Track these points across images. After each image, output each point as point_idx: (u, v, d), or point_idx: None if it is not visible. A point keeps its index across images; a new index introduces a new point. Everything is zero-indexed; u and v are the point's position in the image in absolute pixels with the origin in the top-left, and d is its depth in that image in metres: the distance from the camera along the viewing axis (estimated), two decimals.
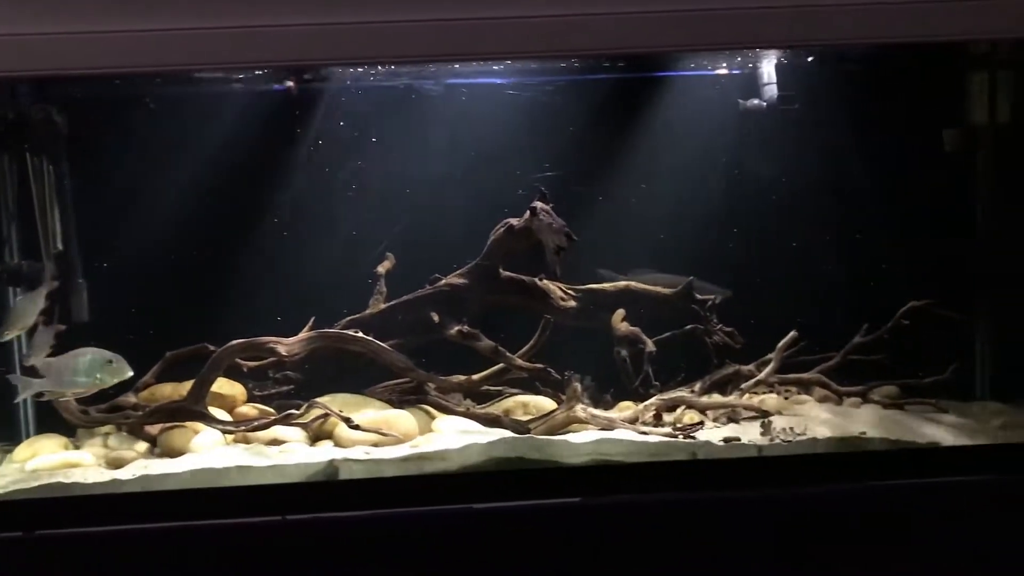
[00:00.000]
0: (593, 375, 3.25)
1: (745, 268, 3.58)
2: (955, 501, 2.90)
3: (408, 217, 3.55)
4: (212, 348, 3.12)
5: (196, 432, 3.08)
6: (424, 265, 3.40)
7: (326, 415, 3.07)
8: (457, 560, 2.81)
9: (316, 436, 3.13)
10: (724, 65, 3.47)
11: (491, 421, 3.17)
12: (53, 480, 2.86)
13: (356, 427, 3.01)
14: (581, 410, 3.14)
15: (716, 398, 3.36)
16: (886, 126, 3.60)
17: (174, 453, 3.03)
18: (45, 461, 2.98)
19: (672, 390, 3.34)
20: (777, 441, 3.03)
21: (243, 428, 3.09)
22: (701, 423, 3.17)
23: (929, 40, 2.71)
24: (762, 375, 3.42)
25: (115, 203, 3.46)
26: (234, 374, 3.23)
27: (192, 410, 3.05)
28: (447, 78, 3.44)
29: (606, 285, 3.47)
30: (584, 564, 2.84)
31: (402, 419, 3.13)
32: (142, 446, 3.11)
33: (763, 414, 3.25)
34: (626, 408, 3.30)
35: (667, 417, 3.22)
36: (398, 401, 3.28)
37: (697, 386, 3.37)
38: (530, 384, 3.40)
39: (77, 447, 3.13)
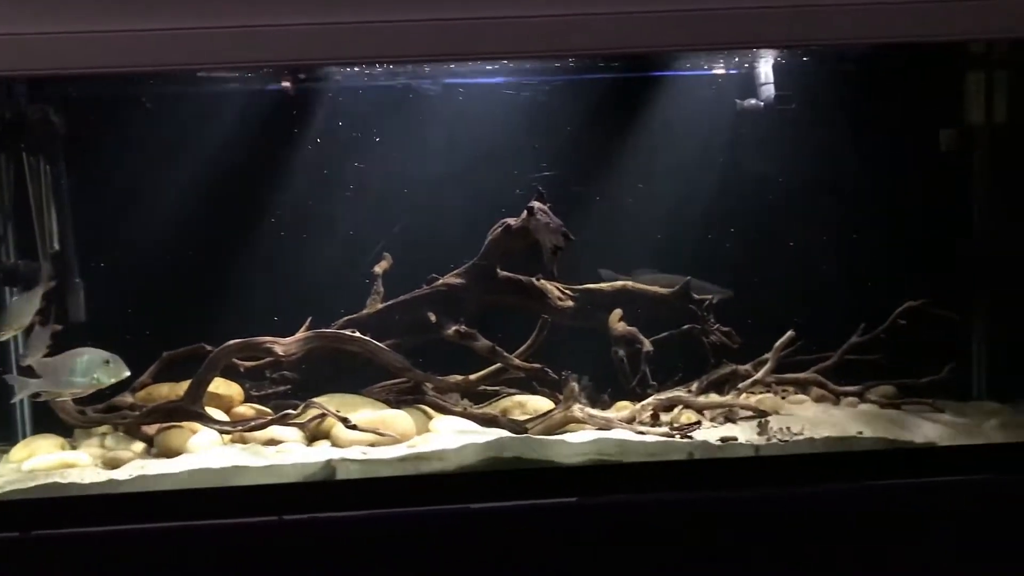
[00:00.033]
0: (590, 375, 3.25)
1: (742, 268, 3.58)
2: (951, 501, 2.90)
3: (405, 217, 3.55)
4: (209, 348, 3.11)
5: (193, 432, 3.08)
6: (421, 265, 3.40)
7: (323, 415, 3.07)
8: (454, 560, 2.81)
9: (313, 436, 3.13)
10: (721, 65, 3.47)
11: (488, 421, 3.17)
12: (50, 480, 2.85)
13: (353, 427, 3.01)
14: (578, 410, 3.14)
15: (713, 398, 3.36)
16: (883, 126, 3.61)
17: (171, 453, 3.03)
18: (42, 461, 2.98)
19: (669, 390, 3.34)
20: (774, 441, 3.03)
21: (240, 428, 3.08)
22: (698, 423, 3.17)
23: (929, 40, 2.72)
24: (759, 375, 3.43)
25: (112, 203, 3.46)
26: (231, 374, 3.23)
27: (189, 410, 3.05)
28: (445, 78, 3.44)
29: (603, 285, 3.47)
30: (581, 564, 2.84)
31: (399, 419, 3.13)
32: (139, 446, 3.10)
33: (760, 414, 3.25)
34: (623, 408, 3.30)
35: (664, 417, 3.22)
36: (395, 401, 3.28)
37: (694, 386, 3.38)
38: (527, 384, 3.41)
39: (74, 447, 3.13)
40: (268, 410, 3.23)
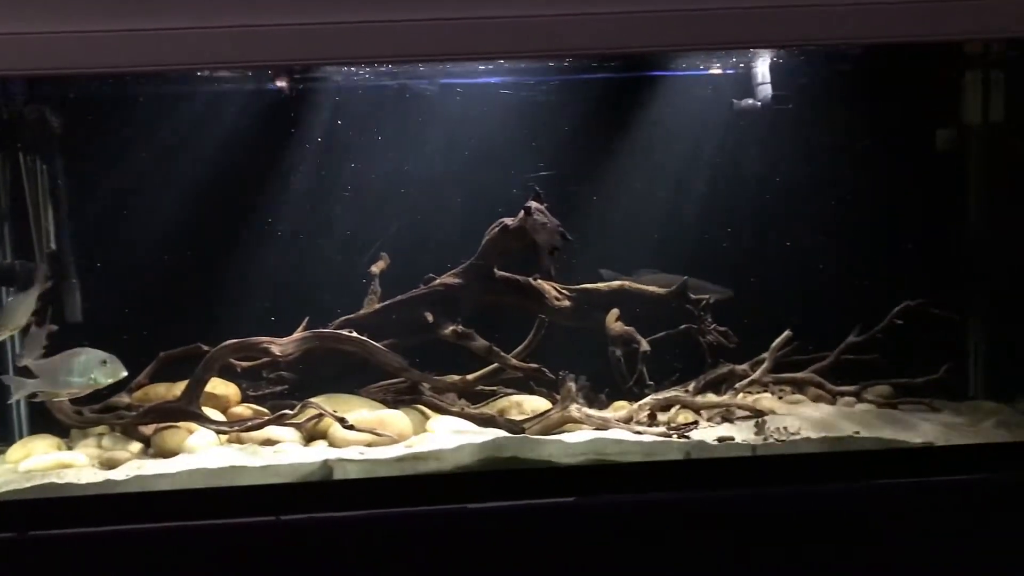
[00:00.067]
0: (588, 375, 3.24)
1: (739, 267, 3.58)
2: (948, 500, 2.90)
3: (402, 217, 3.55)
4: (206, 348, 3.11)
5: (190, 432, 3.08)
6: (419, 265, 3.40)
7: (320, 415, 3.07)
8: (452, 560, 2.81)
9: (310, 436, 3.13)
10: (718, 65, 3.47)
11: (486, 421, 3.17)
12: (46, 481, 2.85)
13: (350, 427, 3.01)
14: (576, 410, 3.14)
15: (710, 398, 3.36)
16: (879, 125, 3.61)
17: (168, 453, 3.03)
18: (38, 462, 2.97)
19: (666, 390, 3.34)
20: (771, 440, 3.04)
21: (237, 428, 3.08)
22: (695, 423, 3.17)
23: (929, 40, 2.72)
24: (756, 375, 3.43)
25: (108, 203, 3.46)
26: (228, 374, 3.23)
27: (186, 410, 3.05)
28: (441, 78, 3.44)
29: (600, 285, 3.47)
30: (579, 564, 2.84)
31: (396, 419, 3.13)
32: (136, 446, 3.10)
33: (757, 413, 3.26)
34: (620, 408, 3.30)
35: (661, 417, 3.22)
36: (393, 401, 3.28)
37: (691, 386, 3.38)
38: (525, 384, 3.41)
39: (71, 448, 3.12)
40: (265, 410, 3.23)
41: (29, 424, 3.40)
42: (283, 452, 3.01)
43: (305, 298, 3.46)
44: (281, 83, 3.37)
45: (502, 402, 3.40)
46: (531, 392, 3.42)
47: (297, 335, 3.19)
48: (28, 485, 2.83)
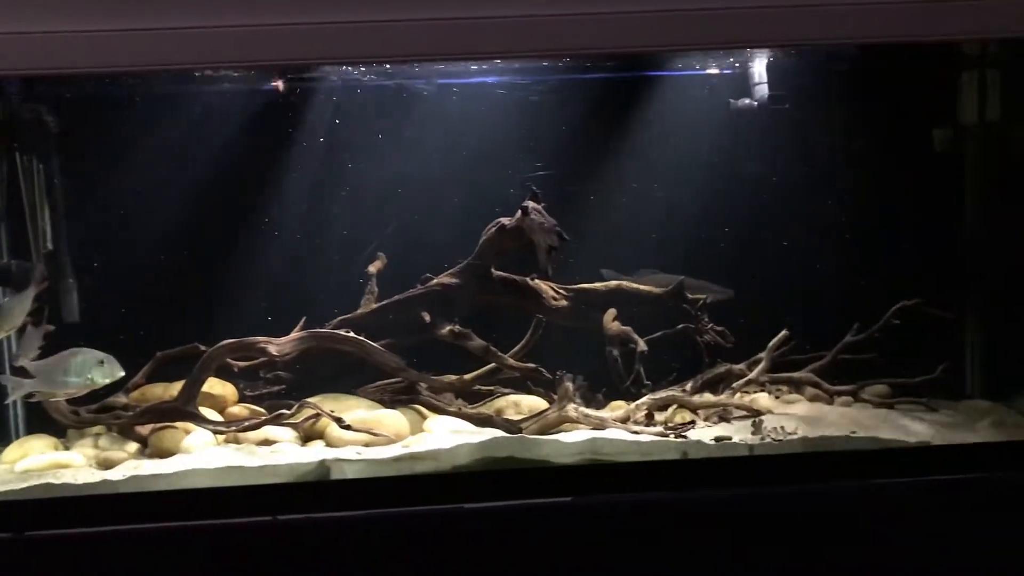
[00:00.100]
0: (585, 374, 3.25)
1: (736, 267, 3.58)
2: (945, 500, 2.90)
3: (400, 217, 3.55)
4: (203, 348, 3.11)
5: (187, 432, 3.07)
6: (416, 265, 3.40)
7: (317, 415, 3.07)
8: (449, 560, 2.81)
9: (307, 436, 3.13)
10: (714, 65, 3.47)
11: (483, 421, 3.17)
12: (43, 481, 2.85)
13: (347, 427, 3.01)
14: (573, 409, 3.14)
15: (707, 397, 3.36)
16: (876, 125, 3.62)
17: (165, 454, 3.03)
18: (35, 462, 2.97)
19: (664, 389, 3.34)
20: (768, 440, 3.04)
21: (234, 428, 3.08)
22: (692, 422, 3.17)
23: (928, 40, 2.72)
24: (753, 374, 3.43)
25: (105, 203, 3.46)
26: (225, 374, 3.23)
27: (183, 410, 3.05)
28: (438, 77, 3.44)
29: (597, 285, 3.47)
30: (576, 564, 2.84)
31: (393, 419, 3.13)
32: (133, 447, 3.10)
33: (754, 413, 3.26)
34: (618, 407, 3.30)
35: (658, 416, 3.23)
36: (390, 401, 3.28)
37: (688, 385, 3.38)
38: (522, 384, 3.41)
39: (67, 448, 3.12)
40: (262, 410, 3.23)
41: (26, 424, 3.39)
42: (280, 452, 3.01)
43: (302, 298, 3.46)
44: (277, 83, 3.37)
45: (499, 402, 3.40)
46: (528, 392, 3.43)
47: (294, 335, 3.19)
48: (25, 485, 2.83)
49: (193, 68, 2.86)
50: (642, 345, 3.29)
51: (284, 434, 3.09)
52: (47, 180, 3.34)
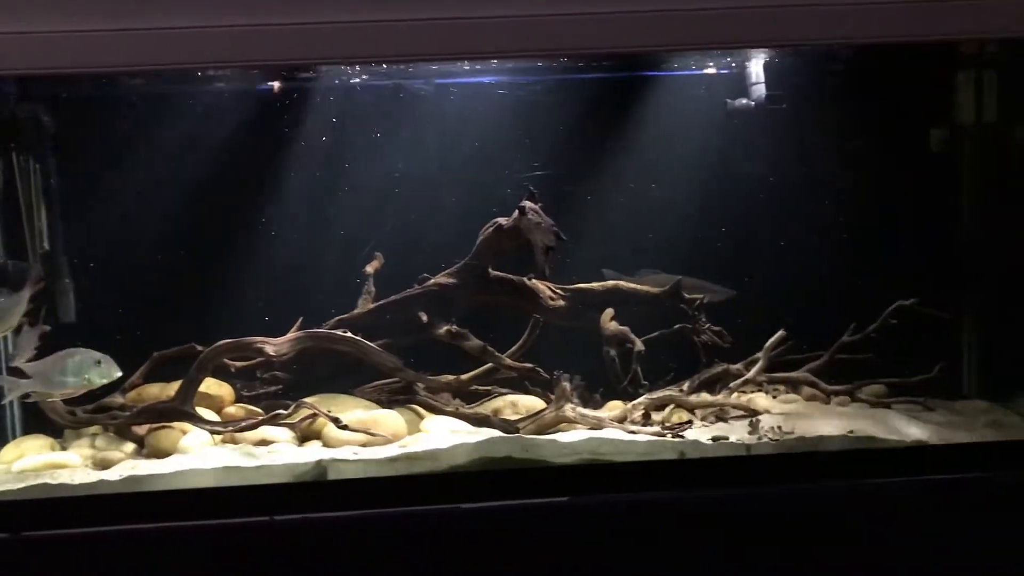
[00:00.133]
0: (582, 374, 3.25)
1: (734, 267, 3.58)
2: (941, 499, 2.91)
3: (397, 217, 3.54)
4: (200, 348, 3.11)
5: (184, 433, 3.07)
6: (413, 265, 3.40)
7: (314, 415, 3.07)
8: (446, 560, 2.81)
9: (304, 436, 3.13)
10: (711, 64, 3.47)
11: (480, 421, 3.17)
12: (40, 481, 2.84)
13: (344, 427, 3.01)
14: (570, 409, 3.14)
15: (704, 397, 3.36)
16: (873, 125, 3.62)
17: (162, 454, 3.02)
18: (32, 462, 2.97)
19: (661, 389, 3.34)
20: (765, 440, 3.04)
21: (231, 428, 3.08)
22: (689, 422, 3.17)
23: (928, 40, 2.73)
24: (750, 374, 3.43)
25: (102, 203, 3.45)
26: (222, 374, 3.22)
27: (180, 410, 3.05)
28: (436, 77, 3.43)
29: (594, 285, 3.46)
30: (573, 564, 2.84)
31: (391, 419, 3.13)
32: (129, 447, 3.09)
33: (751, 413, 3.26)
34: (615, 407, 3.30)
35: (656, 416, 3.23)
36: (387, 401, 3.27)
37: (686, 385, 3.37)
38: (519, 384, 3.41)
39: (64, 448, 3.11)
40: (259, 410, 3.23)
41: (22, 424, 3.39)
42: (277, 452, 3.00)
43: (299, 298, 3.45)
44: (274, 82, 3.36)
45: (497, 402, 3.40)
46: (526, 392, 3.42)
47: (291, 335, 3.18)
48: (21, 486, 2.82)
49: (191, 68, 2.85)
50: (639, 345, 3.29)
51: (281, 434, 3.09)
52: (44, 180, 3.33)
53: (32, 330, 3.01)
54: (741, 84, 3.39)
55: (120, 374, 2.92)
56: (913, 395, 3.39)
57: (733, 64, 3.41)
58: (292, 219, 3.55)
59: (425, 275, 3.38)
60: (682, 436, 3.05)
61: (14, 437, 3.30)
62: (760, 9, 2.65)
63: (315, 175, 3.54)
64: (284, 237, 3.55)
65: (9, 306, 3.03)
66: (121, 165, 3.46)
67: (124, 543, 2.74)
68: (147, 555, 2.76)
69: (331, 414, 3.03)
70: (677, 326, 3.43)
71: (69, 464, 2.96)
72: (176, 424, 3.08)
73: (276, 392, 3.34)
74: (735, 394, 3.40)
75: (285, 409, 3.06)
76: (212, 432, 3.08)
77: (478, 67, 3.32)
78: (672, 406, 3.28)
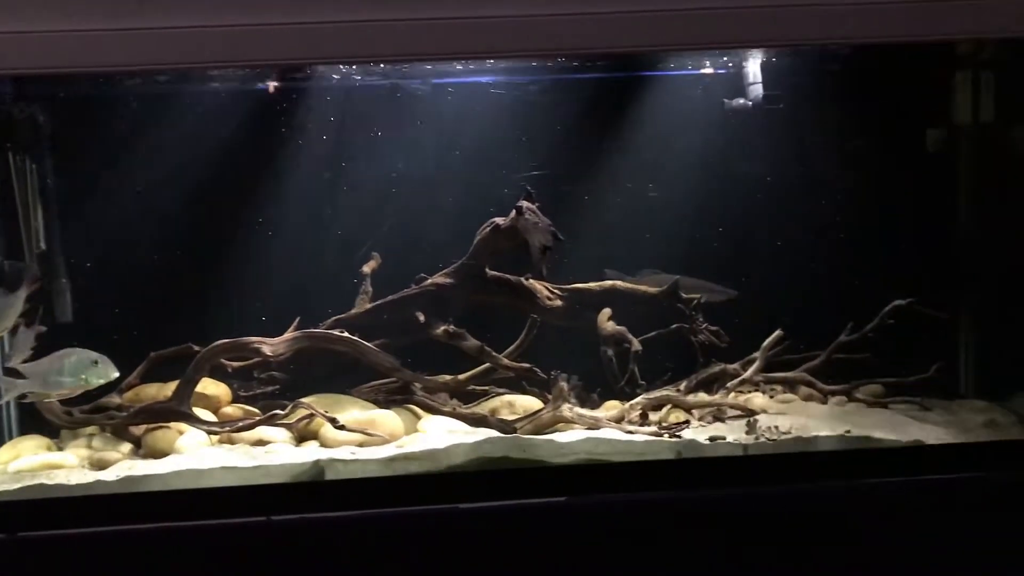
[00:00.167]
0: (579, 374, 3.25)
1: (731, 267, 3.58)
2: (938, 499, 2.91)
3: (394, 217, 3.54)
4: (197, 348, 3.11)
5: (181, 433, 3.07)
6: (410, 264, 3.40)
7: (311, 415, 3.06)
8: (443, 560, 2.81)
9: (301, 436, 3.12)
10: (709, 64, 3.47)
11: (477, 421, 3.17)
12: (36, 482, 2.84)
13: (342, 427, 3.00)
14: (567, 409, 3.14)
15: (702, 397, 3.37)
16: (871, 125, 3.62)
17: (159, 454, 3.02)
18: (28, 462, 2.96)
19: (658, 389, 3.34)
20: (762, 440, 3.04)
21: (228, 429, 3.08)
22: (687, 422, 3.18)
23: (928, 40, 2.73)
24: (747, 374, 3.43)
25: (99, 202, 3.44)
26: (219, 374, 3.22)
27: (177, 411, 3.04)
28: (433, 77, 3.43)
29: (592, 285, 3.47)
30: (570, 564, 2.84)
31: (388, 419, 3.12)
32: (126, 447, 3.09)
33: (748, 413, 3.26)
34: (612, 407, 3.31)
35: (653, 416, 3.23)
36: (384, 401, 3.27)
37: (683, 385, 3.38)
38: (517, 384, 3.40)
39: (61, 448, 3.11)
40: (256, 410, 3.22)
41: (19, 425, 3.38)
42: (274, 452, 3.00)
43: (296, 298, 3.45)
44: (271, 82, 3.36)
45: (494, 402, 3.39)
46: (523, 392, 3.42)
47: (288, 335, 3.18)
48: (18, 486, 2.82)
49: (190, 68, 2.85)
50: (636, 345, 3.29)
51: (278, 434, 3.08)
52: (40, 180, 3.33)
53: (28, 330, 3.01)
54: (738, 84, 3.39)
55: (117, 374, 2.91)
56: (910, 395, 3.39)
57: (730, 64, 3.41)
58: (289, 219, 3.54)
59: (422, 275, 3.38)
60: (679, 436, 3.05)
61: (10, 437, 3.29)
62: (760, 9, 2.65)
63: (312, 175, 3.54)
64: (281, 237, 3.54)
65: (5, 306, 3.03)
66: (118, 165, 3.45)
67: (121, 544, 2.74)
68: (144, 556, 2.75)
69: (328, 414, 3.02)
70: (674, 326, 3.43)
71: (66, 464, 2.96)
72: (173, 424, 3.08)
73: (273, 392, 3.34)
74: (732, 394, 3.40)
75: (282, 409, 3.06)
76: (209, 432, 3.08)
77: (475, 67, 3.31)
78: (669, 406, 3.28)
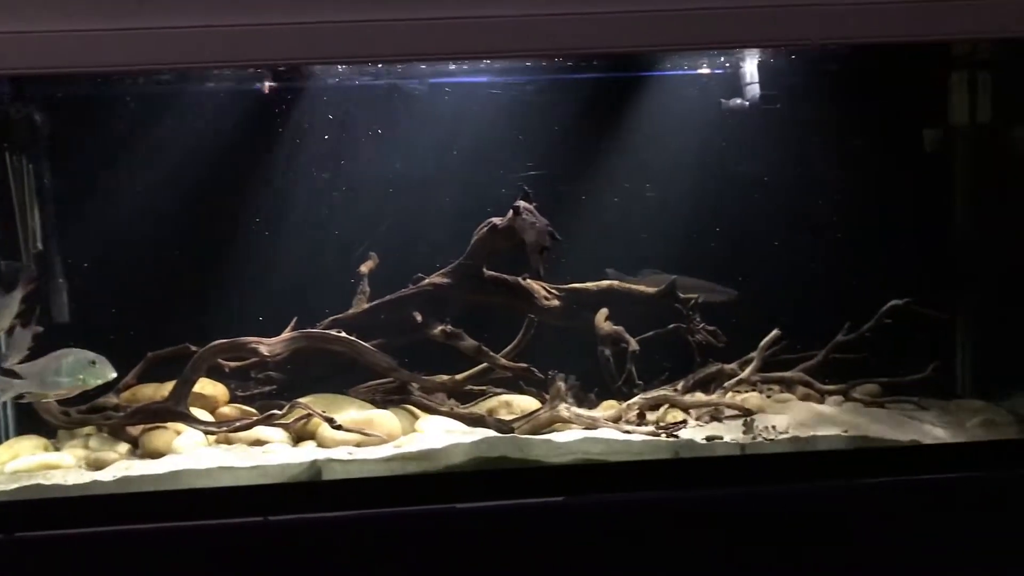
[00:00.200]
0: (577, 374, 3.25)
1: (729, 266, 3.58)
2: (935, 499, 2.91)
3: (391, 217, 3.54)
4: (194, 348, 3.10)
5: (178, 433, 3.06)
6: (407, 264, 3.40)
7: (308, 415, 3.06)
8: (441, 560, 2.81)
9: (299, 436, 3.12)
10: (706, 64, 3.47)
11: (475, 421, 3.17)
12: (33, 482, 2.83)
13: (339, 427, 3.00)
14: (565, 409, 3.14)
15: (699, 397, 3.37)
16: (868, 125, 3.62)
17: (156, 454, 3.02)
18: (25, 463, 2.96)
19: (655, 389, 3.35)
20: (759, 439, 3.04)
21: (225, 429, 3.07)
22: (684, 422, 3.18)
23: (928, 40, 2.73)
24: (744, 374, 3.44)
25: (96, 203, 3.44)
26: (216, 374, 3.22)
27: (174, 411, 3.04)
28: (430, 77, 3.43)
29: (589, 285, 3.47)
30: (568, 564, 2.84)
31: (385, 419, 3.12)
32: (123, 447, 3.08)
33: (746, 412, 3.26)
34: (610, 407, 3.30)
35: (650, 416, 3.23)
36: (381, 401, 3.27)
37: (680, 385, 3.38)
38: (514, 384, 3.40)
39: (58, 449, 3.11)
40: (253, 411, 3.22)
41: (16, 425, 3.38)
42: (271, 452, 3.00)
43: (293, 298, 3.44)
44: (268, 83, 3.35)
45: (491, 402, 3.39)
46: (520, 392, 3.42)
47: (285, 335, 3.18)
48: (15, 486, 2.81)
49: (189, 68, 2.85)
50: (634, 345, 3.30)
51: (275, 434, 3.08)
52: (37, 180, 3.32)
53: (25, 330, 3.00)
54: (736, 84, 3.39)
55: (114, 374, 2.91)
56: (907, 395, 3.39)
57: (727, 64, 3.41)
58: (286, 219, 3.54)
59: (420, 275, 3.38)
60: (676, 436, 3.05)
61: (7, 438, 3.29)
62: (760, 9, 2.66)
63: (309, 175, 3.53)
64: (278, 237, 3.54)
65: (2, 306, 3.03)
66: (115, 165, 3.44)
67: (118, 544, 2.74)
68: (141, 556, 2.75)
69: (325, 414, 3.02)
70: (672, 326, 3.44)
71: (63, 465, 2.95)
72: (170, 424, 3.07)
73: (270, 392, 3.34)
74: (729, 394, 3.40)
75: (279, 409, 3.06)
76: (206, 432, 3.08)
77: (471, 67, 3.31)
78: (667, 406, 3.28)
